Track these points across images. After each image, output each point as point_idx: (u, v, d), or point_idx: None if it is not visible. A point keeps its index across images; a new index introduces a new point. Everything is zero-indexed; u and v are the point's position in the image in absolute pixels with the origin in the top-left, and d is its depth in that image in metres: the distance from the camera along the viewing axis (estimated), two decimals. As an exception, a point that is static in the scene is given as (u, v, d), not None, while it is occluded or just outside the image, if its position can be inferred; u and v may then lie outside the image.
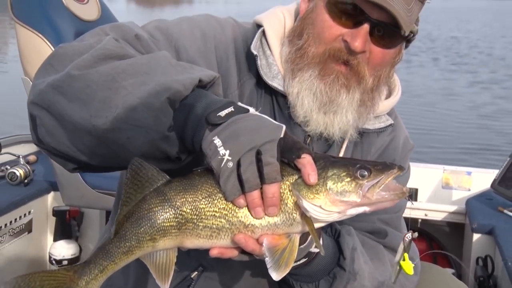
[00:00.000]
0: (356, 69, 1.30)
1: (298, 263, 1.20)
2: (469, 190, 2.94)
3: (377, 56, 1.31)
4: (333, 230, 1.31)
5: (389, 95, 1.50)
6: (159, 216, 1.01)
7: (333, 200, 0.99)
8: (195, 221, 1.01)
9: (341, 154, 1.44)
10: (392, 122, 1.49)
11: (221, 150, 0.98)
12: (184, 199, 1.01)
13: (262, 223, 1.01)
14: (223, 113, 1.03)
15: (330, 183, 1.00)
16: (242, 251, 1.05)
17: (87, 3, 2.51)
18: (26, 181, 2.49)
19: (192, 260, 1.36)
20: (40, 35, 2.30)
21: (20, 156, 2.58)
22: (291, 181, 1.01)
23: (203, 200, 1.01)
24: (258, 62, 1.35)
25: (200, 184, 1.02)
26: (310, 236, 1.13)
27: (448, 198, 2.95)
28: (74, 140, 1.11)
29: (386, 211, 1.25)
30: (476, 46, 22.70)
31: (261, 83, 1.37)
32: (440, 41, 24.62)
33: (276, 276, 1.00)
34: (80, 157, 1.13)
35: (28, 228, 2.49)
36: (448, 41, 24.70)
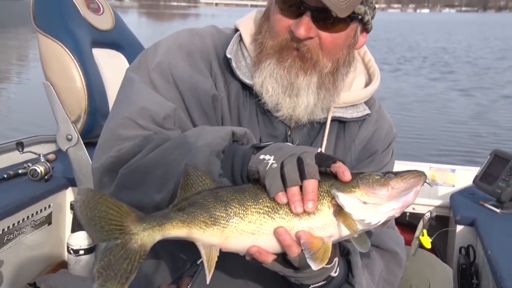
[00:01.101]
0: (308, 55, 1.31)
1: (317, 285, 1.19)
2: (453, 186, 2.94)
3: (327, 41, 1.31)
4: (341, 248, 1.28)
5: (369, 83, 1.50)
6: (211, 205, 1.03)
7: (368, 192, 1.01)
8: (241, 215, 1.02)
9: (323, 145, 1.45)
10: (369, 112, 1.48)
11: (266, 157, 1.05)
12: (234, 197, 1.03)
13: (300, 221, 1.02)
14: (265, 143, 1.13)
15: (362, 180, 1.02)
16: (275, 260, 1.07)
17: (103, 14, 2.53)
18: (46, 177, 2.49)
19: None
20: (59, 43, 2.32)
21: (41, 155, 2.58)
22: (328, 184, 1.03)
23: (250, 199, 1.03)
24: (234, 64, 1.37)
25: (248, 188, 1.06)
26: (335, 259, 1.15)
27: (434, 193, 2.95)
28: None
29: None
30: (462, 56, 22.66)
31: (245, 83, 1.39)
32: (427, 50, 24.57)
33: (314, 266, 1.01)
34: None
35: (48, 220, 2.50)
36: (435, 51, 24.65)
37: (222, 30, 1.51)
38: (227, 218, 1.02)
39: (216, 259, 1.03)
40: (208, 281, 1.01)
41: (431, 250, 2.75)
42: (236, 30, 1.47)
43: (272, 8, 1.34)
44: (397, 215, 1.04)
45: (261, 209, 1.02)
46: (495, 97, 12.17)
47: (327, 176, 1.04)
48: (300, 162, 1.02)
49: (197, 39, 1.42)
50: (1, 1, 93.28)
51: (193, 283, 1.30)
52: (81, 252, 2.55)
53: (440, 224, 2.89)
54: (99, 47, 2.55)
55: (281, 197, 1.01)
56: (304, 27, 1.26)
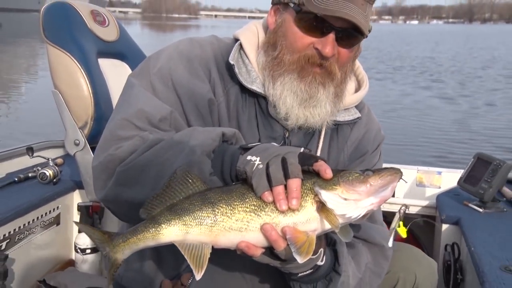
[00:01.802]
0: (329, 69, 1.35)
1: (305, 273, 1.22)
2: (440, 187, 2.96)
3: (344, 56, 1.36)
4: (328, 239, 1.31)
5: (358, 88, 1.54)
6: (197, 209, 1.05)
7: (348, 189, 1.04)
8: (229, 214, 1.05)
9: (319, 146, 1.48)
10: (359, 115, 1.52)
11: (253, 159, 1.08)
12: (221, 198, 1.06)
13: (285, 217, 1.05)
14: (252, 144, 1.15)
15: (343, 178, 1.05)
16: (264, 253, 1.09)
17: (108, 26, 2.55)
18: (54, 180, 2.51)
19: None
20: (67, 53, 2.34)
21: (50, 159, 2.59)
22: (311, 182, 1.06)
23: (237, 198, 1.06)
24: (236, 70, 1.40)
25: (235, 188, 1.08)
26: (321, 250, 1.18)
27: (421, 194, 2.98)
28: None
29: None
30: (448, 65, 22.72)
31: (244, 88, 1.42)
32: (416, 60, 24.62)
33: (300, 259, 1.04)
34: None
35: (56, 221, 2.51)
36: (422, 60, 24.71)
37: (222, 39, 1.53)
38: (215, 218, 1.05)
39: (208, 255, 1.06)
40: (197, 278, 1.04)
41: (419, 249, 2.78)
42: (236, 39, 1.49)
43: (288, 25, 1.36)
44: (375, 209, 1.08)
45: (247, 207, 1.05)
46: (478, 104, 12.23)
47: (310, 174, 1.07)
48: (284, 162, 1.05)
49: (197, 48, 1.44)
50: (13, 13, 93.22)
51: (194, 278, 1.31)
52: (88, 251, 2.57)
53: (427, 223, 2.91)
54: (105, 57, 2.57)
55: (267, 196, 1.04)
56: (330, 46, 1.30)
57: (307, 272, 1.22)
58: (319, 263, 1.22)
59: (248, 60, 1.44)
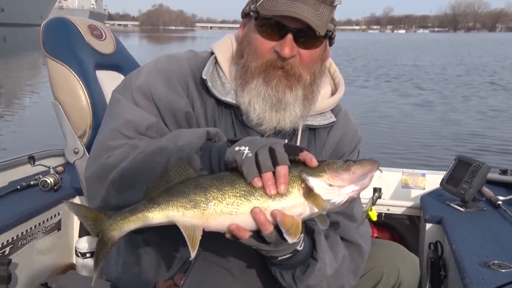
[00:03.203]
0: (292, 71, 1.37)
1: (284, 257, 1.25)
2: (424, 188, 3.00)
3: (306, 57, 1.37)
4: (306, 228, 1.34)
5: (335, 92, 1.56)
6: (191, 192, 1.08)
7: (333, 176, 1.08)
8: (220, 199, 1.08)
9: None
10: (335, 119, 1.54)
11: (242, 148, 1.11)
12: (213, 183, 1.09)
13: (274, 202, 1.08)
14: (238, 138, 1.18)
15: (328, 166, 1.09)
16: (251, 236, 1.12)
17: (105, 39, 2.57)
18: (55, 187, 2.52)
19: None
20: (67, 66, 2.35)
21: (51, 167, 2.60)
22: (298, 170, 1.10)
23: (227, 184, 1.09)
24: (210, 84, 1.43)
25: (225, 175, 1.12)
26: (301, 235, 1.21)
27: (406, 195, 3.01)
28: None
29: None
30: (432, 71, 22.84)
31: (220, 100, 1.44)
32: (402, 67, 24.73)
33: (290, 239, 1.09)
34: None
35: (57, 226, 2.52)
36: (409, 68, 24.81)
37: (199, 54, 1.55)
38: (206, 202, 1.08)
39: (199, 237, 1.08)
40: (192, 257, 1.07)
41: (404, 244, 2.80)
42: (212, 53, 1.51)
43: (251, 33, 1.39)
44: (355, 196, 1.12)
45: (237, 192, 1.08)
46: (462, 109, 12.31)
47: (296, 163, 1.10)
48: (272, 151, 1.08)
49: (174, 64, 1.47)
50: (17, 27, 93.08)
51: (186, 278, 1.33)
52: (88, 255, 2.57)
53: (412, 223, 2.94)
54: (102, 69, 2.58)
55: (257, 182, 1.07)
56: (288, 47, 1.32)
57: (287, 256, 1.25)
58: (298, 248, 1.25)
59: (222, 73, 1.46)
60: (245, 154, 1.08)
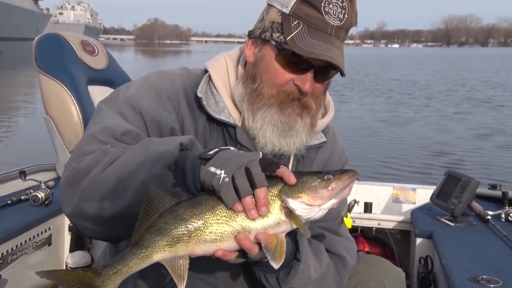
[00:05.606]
0: (306, 103, 1.39)
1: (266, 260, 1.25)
2: (414, 203, 3.01)
3: (319, 90, 1.41)
4: (291, 233, 1.35)
5: (325, 114, 1.58)
6: (173, 227, 1.08)
7: (312, 196, 1.08)
8: (202, 228, 1.08)
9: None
10: (325, 139, 1.57)
11: (218, 172, 1.09)
12: (192, 213, 1.08)
13: (256, 224, 1.09)
14: (211, 152, 1.15)
15: (306, 185, 1.09)
16: (238, 255, 1.13)
17: (97, 55, 2.59)
18: (46, 202, 2.51)
19: None
20: (58, 82, 2.37)
21: (41, 182, 2.60)
22: (277, 189, 1.10)
23: (207, 211, 1.08)
24: (204, 102, 1.43)
25: (204, 201, 1.10)
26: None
27: (397, 210, 3.02)
28: (106, 225, 1.22)
29: (325, 219, 1.30)
30: (424, 85, 23.01)
31: (212, 117, 1.45)
32: (395, 82, 24.90)
33: (276, 265, 1.09)
34: (109, 233, 1.26)
35: (48, 241, 2.51)
36: (402, 81, 24.98)
37: (192, 71, 1.56)
38: (189, 235, 1.07)
39: (187, 266, 1.08)
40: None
41: (395, 262, 2.81)
42: (206, 70, 1.53)
43: (268, 60, 1.38)
44: (335, 207, 1.13)
45: (219, 219, 1.08)
46: (452, 125, 12.40)
47: (273, 179, 1.10)
48: (248, 172, 1.07)
49: (167, 80, 1.47)
50: (12, 42, 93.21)
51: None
52: (79, 269, 2.55)
53: (402, 238, 2.95)
54: (94, 84, 2.59)
55: (237, 207, 1.07)
56: (309, 82, 1.35)
57: None
58: None
59: (216, 91, 1.47)
60: (221, 178, 1.07)
